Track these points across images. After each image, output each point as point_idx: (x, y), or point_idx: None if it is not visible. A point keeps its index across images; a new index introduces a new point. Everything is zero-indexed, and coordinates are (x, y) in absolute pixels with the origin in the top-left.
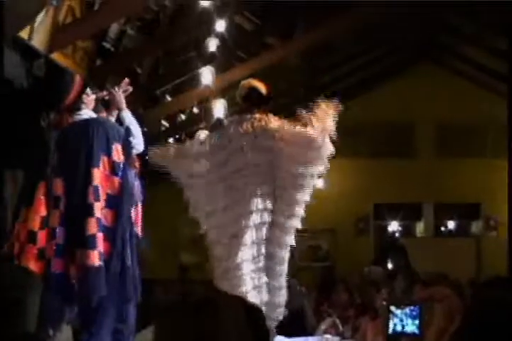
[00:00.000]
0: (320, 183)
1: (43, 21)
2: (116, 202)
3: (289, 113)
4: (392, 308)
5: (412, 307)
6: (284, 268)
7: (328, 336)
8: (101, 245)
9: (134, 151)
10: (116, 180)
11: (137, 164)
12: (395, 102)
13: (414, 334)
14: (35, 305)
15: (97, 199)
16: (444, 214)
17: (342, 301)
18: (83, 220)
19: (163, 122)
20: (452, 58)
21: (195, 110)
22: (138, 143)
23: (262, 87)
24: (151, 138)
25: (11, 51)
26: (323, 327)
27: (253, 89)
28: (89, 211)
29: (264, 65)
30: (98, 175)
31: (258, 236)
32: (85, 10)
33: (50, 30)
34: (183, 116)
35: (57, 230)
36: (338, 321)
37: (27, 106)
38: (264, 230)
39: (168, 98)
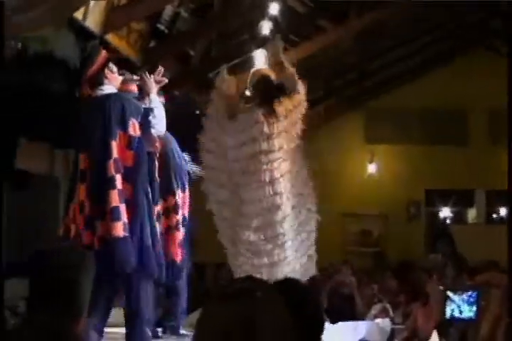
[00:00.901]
0: (372, 169)
1: (97, 2)
2: (132, 176)
3: (340, 96)
4: (450, 294)
5: (469, 293)
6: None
7: (378, 320)
8: (124, 216)
9: (154, 131)
10: (131, 153)
11: (158, 145)
12: (448, 89)
13: (471, 319)
14: (88, 286)
15: (118, 172)
16: (496, 201)
17: (392, 287)
18: (106, 193)
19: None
20: (505, 44)
21: (248, 93)
22: (159, 124)
23: (272, 76)
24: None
25: (66, 32)
26: (373, 312)
27: (264, 78)
28: (111, 183)
29: (317, 48)
30: (116, 148)
31: (272, 219)
32: None
33: (105, 11)
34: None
35: (85, 204)
36: (388, 306)
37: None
38: (277, 212)
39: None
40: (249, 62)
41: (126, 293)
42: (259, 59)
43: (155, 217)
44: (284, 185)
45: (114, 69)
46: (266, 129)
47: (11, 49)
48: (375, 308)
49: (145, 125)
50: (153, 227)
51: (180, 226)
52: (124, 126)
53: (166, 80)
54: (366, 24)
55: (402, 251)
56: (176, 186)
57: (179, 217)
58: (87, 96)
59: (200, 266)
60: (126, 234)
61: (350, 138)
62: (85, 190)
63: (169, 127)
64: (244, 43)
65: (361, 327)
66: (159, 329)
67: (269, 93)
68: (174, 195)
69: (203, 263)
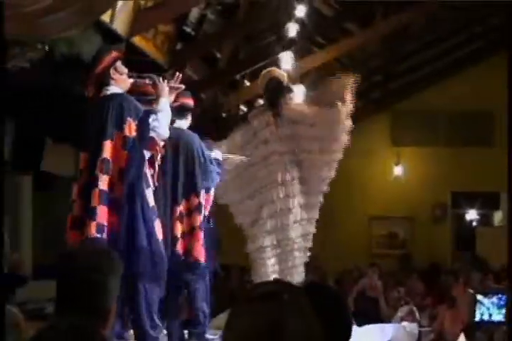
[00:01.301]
0: (399, 171)
1: (124, 5)
2: (124, 177)
3: (367, 98)
4: (479, 297)
5: (499, 296)
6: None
7: (405, 323)
8: (103, 218)
9: (154, 134)
10: (125, 154)
11: (159, 148)
12: (475, 90)
13: (499, 322)
14: (115, 288)
15: (104, 172)
16: None
17: (418, 289)
18: (90, 192)
19: (242, 107)
20: None
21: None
22: (160, 128)
23: (282, 77)
24: (230, 123)
25: (92, 34)
26: (400, 314)
27: (273, 79)
28: (94, 183)
29: (343, 51)
30: (109, 148)
31: (283, 222)
32: None
33: (132, 13)
34: (261, 101)
35: (76, 203)
36: (415, 309)
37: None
38: (288, 216)
39: (247, 83)
40: (275, 65)
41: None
42: (286, 61)
43: (154, 218)
44: (295, 188)
45: (124, 70)
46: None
47: (38, 51)
48: (402, 310)
49: (143, 127)
50: (150, 228)
51: (203, 226)
52: (120, 125)
53: (183, 87)
54: (392, 26)
55: (428, 254)
56: (199, 186)
57: (202, 217)
58: (92, 97)
59: (225, 268)
60: (98, 235)
61: (376, 140)
62: (77, 190)
63: (195, 128)
64: (270, 45)
65: (388, 329)
66: (185, 332)
67: (277, 95)
68: (198, 195)
69: (227, 265)
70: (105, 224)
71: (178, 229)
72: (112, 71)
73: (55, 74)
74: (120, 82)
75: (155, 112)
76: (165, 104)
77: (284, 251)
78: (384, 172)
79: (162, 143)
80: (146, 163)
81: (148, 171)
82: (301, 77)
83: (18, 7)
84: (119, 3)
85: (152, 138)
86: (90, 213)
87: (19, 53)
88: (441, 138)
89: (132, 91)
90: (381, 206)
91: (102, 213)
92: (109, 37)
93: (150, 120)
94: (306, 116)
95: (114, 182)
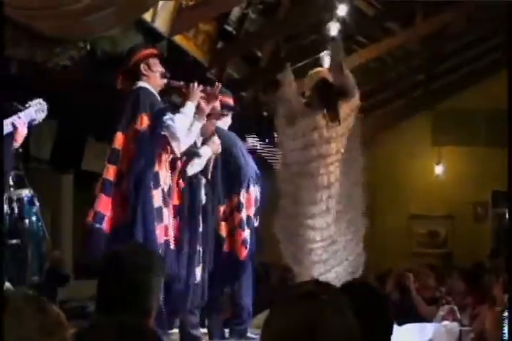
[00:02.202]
0: (439, 170)
1: (166, 4)
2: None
3: (408, 98)
4: None
5: None
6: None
7: (446, 322)
8: (103, 207)
9: (166, 133)
10: (132, 147)
11: (172, 149)
12: None
13: None
14: (157, 287)
15: (111, 162)
16: None
17: (459, 288)
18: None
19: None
20: None
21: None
22: (174, 128)
23: (331, 78)
24: (271, 122)
25: (134, 33)
26: (441, 313)
27: (322, 81)
28: (103, 171)
29: (384, 50)
30: (120, 139)
31: (326, 221)
32: None
33: (173, 12)
34: (302, 100)
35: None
36: (455, 308)
37: None
38: (330, 216)
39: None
40: (317, 64)
41: None
42: (327, 60)
43: (158, 219)
44: (336, 189)
45: (158, 69)
46: (326, 134)
47: (80, 50)
48: (443, 310)
49: (155, 123)
50: (147, 230)
51: (245, 225)
52: (133, 118)
53: (218, 99)
54: (433, 26)
55: (469, 253)
56: (240, 186)
57: (243, 216)
58: (121, 89)
59: (266, 268)
60: (97, 224)
61: (417, 140)
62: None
63: (237, 128)
64: (312, 44)
65: (429, 328)
66: (226, 330)
67: (328, 96)
68: (238, 194)
69: (267, 264)
70: (105, 214)
71: (223, 228)
72: (144, 67)
73: (96, 72)
74: (151, 80)
75: (171, 111)
76: (189, 108)
77: (327, 250)
78: (425, 172)
79: (179, 145)
80: (161, 162)
81: (163, 172)
82: None
83: (60, 6)
84: (161, 2)
85: (164, 136)
86: (94, 203)
87: (61, 52)
88: (482, 137)
89: (166, 92)
90: (422, 205)
91: (103, 202)
92: (151, 36)
93: (164, 118)
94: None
95: (123, 174)
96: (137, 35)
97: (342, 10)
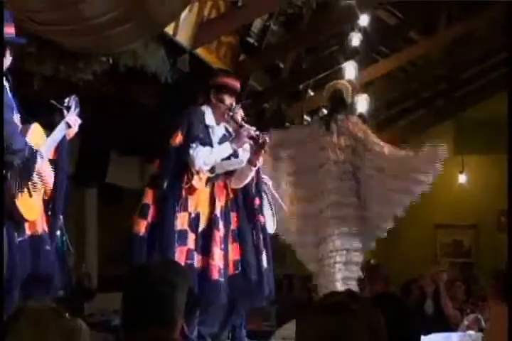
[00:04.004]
0: (463, 179)
1: (187, 17)
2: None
3: (430, 107)
4: None
5: None
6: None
7: (471, 332)
8: (151, 216)
9: (190, 157)
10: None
11: (192, 177)
12: None
13: None
14: (182, 302)
15: (151, 186)
16: None
17: (484, 298)
18: None
19: (306, 117)
20: None
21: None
22: (195, 158)
23: (346, 90)
24: None
25: (156, 46)
26: (466, 323)
27: (336, 92)
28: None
29: (407, 59)
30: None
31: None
32: (230, 5)
33: (195, 25)
34: (325, 111)
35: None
36: (480, 317)
37: (172, 99)
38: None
39: (311, 93)
40: (339, 75)
41: None
42: (349, 71)
43: (179, 242)
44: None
45: (227, 101)
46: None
47: (103, 64)
48: (468, 319)
49: (184, 145)
50: (166, 252)
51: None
52: (172, 134)
53: (264, 149)
54: (456, 34)
55: (494, 262)
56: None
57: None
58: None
59: (288, 278)
60: (145, 235)
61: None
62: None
63: None
64: (334, 55)
65: (454, 338)
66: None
67: (337, 107)
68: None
69: (291, 276)
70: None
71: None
72: (213, 93)
73: (119, 86)
74: (216, 108)
75: (201, 141)
76: (227, 147)
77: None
78: (448, 181)
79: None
80: (191, 188)
81: (195, 197)
82: (365, 87)
83: (83, 21)
84: (183, 15)
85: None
86: (139, 209)
87: (84, 66)
88: (505, 145)
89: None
90: (446, 214)
91: (148, 210)
92: (173, 49)
93: (191, 144)
94: (367, 138)
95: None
96: (159, 49)
97: (363, 20)
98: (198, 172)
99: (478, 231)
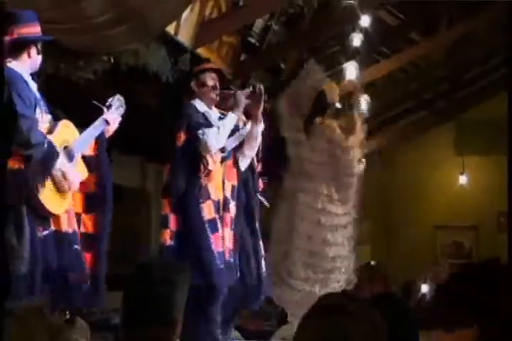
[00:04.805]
0: (463, 180)
1: (189, 16)
2: None
3: (431, 108)
4: None
5: None
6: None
7: None
8: (172, 224)
9: (200, 148)
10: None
11: (207, 163)
12: None
13: None
14: (182, 301)
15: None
16: None
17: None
18: None
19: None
20: None
21: (338, 105)
22: (207, 142)
23: (331, 92)
24: None
25: (157, 46)
26: None
27: (321, 94)
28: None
29: (408, 60)
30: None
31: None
32: (231, 5)
33: (196, 25)
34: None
35: None
36: None
37: (173, 99)
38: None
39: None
40: (339, 75)
41: None
42: (350, 71)
43: (212, 230)
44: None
45: (210, 83)
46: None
47: (104, 63)
48: None
49: (191, 137)
50: (200, 241)
51: None
52: (175, 137)
53: (263, 101)
54: (457, 35)
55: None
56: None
57: None
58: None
59: None
60: (171, 243)
61: (441, 149)
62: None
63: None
64: (335, 55)
65: None
66: None
67: (315, 108)
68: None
69: None
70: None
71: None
72: (194, 84)
73: (119, 86)
74: (204, 95)
75: (205, 126)
76: (230, 119)
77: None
78: (449, 182)
79: (214, 157)
80: (208, 175)
81: (213, 183)
82: (365, 87)
83: (84, 19)
84: (184, 15)
85: (198, 151)
86: (162, 221)
87: (85, 65)
88: (505, 147)
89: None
90: (446, 215)
91: (170, 220)
92: (174, 48)
93: (198, 132)
94: (339, 139)
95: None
96: (160, 48)
97: (365, 21)
98: (211, 156)
99: (478, 232)
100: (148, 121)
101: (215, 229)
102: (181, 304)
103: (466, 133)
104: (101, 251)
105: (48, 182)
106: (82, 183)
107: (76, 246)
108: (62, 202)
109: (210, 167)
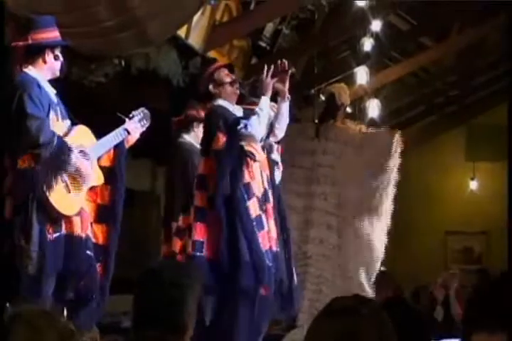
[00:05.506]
0: (474, 186)
1: (200, 20)
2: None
3: (442, 113)
4: None
5: None
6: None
7: None
8: (202, 235)
9: (243, 142)
10: (216, 168)
11: (254, 156)
12: None
13: None
14: (194, 304)
15: (200, 188)
16: None
17: None
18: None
19: (317, 121)
20: None
21: (349, 110)
22: (251, 133)
23: (341, 94)
24: None
25: (168, 49)
26: None
27: (330, 96)
28: (191, 200)
29: (419, 65)
30: (202, 164)
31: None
32: (242, 9)
33: (207, 29)
34: None
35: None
36: None
37: (184, 102)
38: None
39: (322, 97)
40: (351, 79)
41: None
42: (361, 76)
43: (258, 229)
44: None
45: (227, 79)
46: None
47: (115, 66)
48: None
49: (230, 137)
50: (251, 240)
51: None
52: (210, 141)
53: (289, 73)
54: (468, 40)
55: (505, 269)
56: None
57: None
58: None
59: None
60: (197, 253)
61: (451, 155)
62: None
63: None
64: (346, 60)
65: None
66: None
67: (327, 111)
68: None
69: None
70: (203, 240)
71: None
72: (212, 86)
73: (131, 89)
74: (224, 94)
75: (245, 118)
76: (264, 103)
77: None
78: (459, 187)
79: (258, 147)
80: (250, 172)
81: (256, 179)
82: (376, 92)
83: (94, 23)
84: (195, 18)
85: (241, 147)
86: (187, 231)
87: (96, 69)
88: (506, 152)
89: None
90: (457, 221)
91: (199, 230)
92: (185, 52)
93: (238, 128)
94: (353, 139)
95: (213, 198)
96: (171, 52)
97: (376, 25)
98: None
99: (489, 237)
100: (158, 124)
101: (261, 227)
102: (192, 308)
103: (477, 139)
104: (109, 263)
105: (60, 183)
106: (95, 193)
107: (89, 252)
108: (73, 203)
109: (257, 158)
